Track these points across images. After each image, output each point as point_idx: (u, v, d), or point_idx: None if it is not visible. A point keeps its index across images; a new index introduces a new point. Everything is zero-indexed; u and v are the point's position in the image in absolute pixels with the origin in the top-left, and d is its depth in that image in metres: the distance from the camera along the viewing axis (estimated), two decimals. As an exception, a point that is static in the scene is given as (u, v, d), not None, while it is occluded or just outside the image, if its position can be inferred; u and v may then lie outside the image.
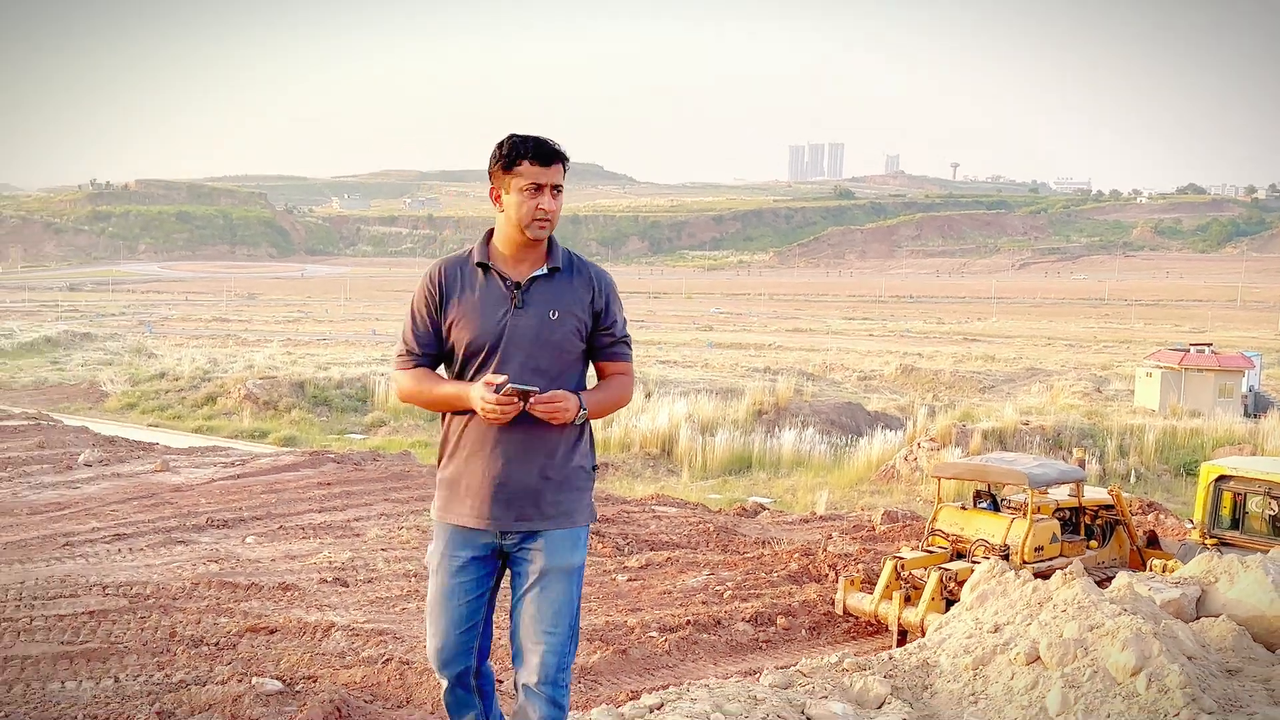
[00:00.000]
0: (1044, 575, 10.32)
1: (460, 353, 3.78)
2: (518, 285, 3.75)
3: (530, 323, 3.73)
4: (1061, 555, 12.77)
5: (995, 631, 4.44)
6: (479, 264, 3.78)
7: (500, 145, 3.74)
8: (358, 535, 14.61)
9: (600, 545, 14.40)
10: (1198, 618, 5.63)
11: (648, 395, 33.02)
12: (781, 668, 4.89)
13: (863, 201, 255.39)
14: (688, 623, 11.11)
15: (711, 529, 16.18)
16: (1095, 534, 13.93)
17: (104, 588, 10.71)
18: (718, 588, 12.67)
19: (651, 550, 14.51)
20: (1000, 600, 4.62)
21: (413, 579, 12.21)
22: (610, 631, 10.67)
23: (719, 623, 11.33)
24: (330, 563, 12.76)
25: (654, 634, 10.73)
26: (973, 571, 11.83)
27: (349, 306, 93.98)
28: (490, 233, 3.84)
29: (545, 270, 3.77)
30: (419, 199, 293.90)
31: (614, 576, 13.05)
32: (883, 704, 4.01)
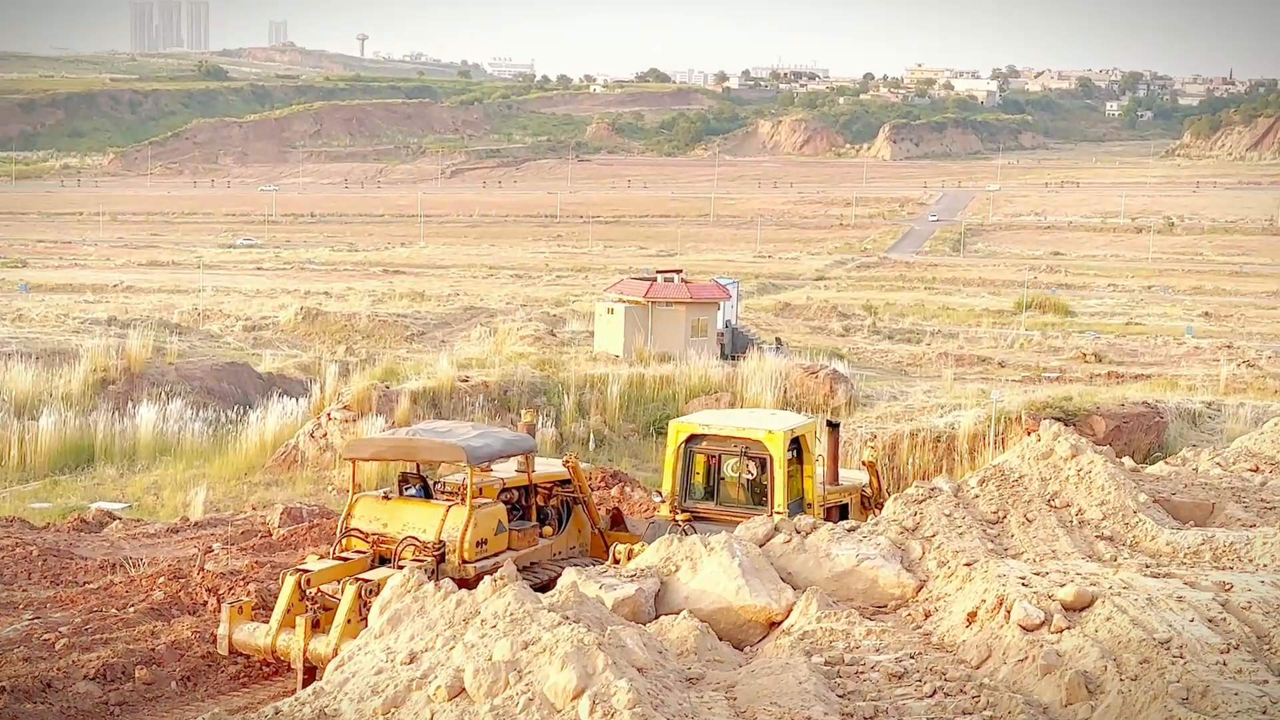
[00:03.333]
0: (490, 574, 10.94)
1: None
2: None
3: None
4: (510, 548, 13.57)
5: (411, 662, 4.68)
6: None
7: None
8: None
9: None
10: (658, 615, 6.28)
11: (-74, 365, 30.60)
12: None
13: (240, 84, 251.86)
14: (2, 689, 10.61)
15: (36, 554, 15.46)
16: (550, 517, 14.95)
17: None
18: (46, 636, 12.18)
19: (-57, 593, 13.61)
20: (418, 621, 4.87)
21: None
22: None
23: (50, 685, 10.94)
24: None
25: (-50, 714, 10.15)
26: (400, 580, 12.35)
27: None
28: None
29: None
30: None
31: (-118, 637, 12.10)
32: (266, 777, 4.11)
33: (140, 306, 49.61)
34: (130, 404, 29.22)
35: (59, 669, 11.31)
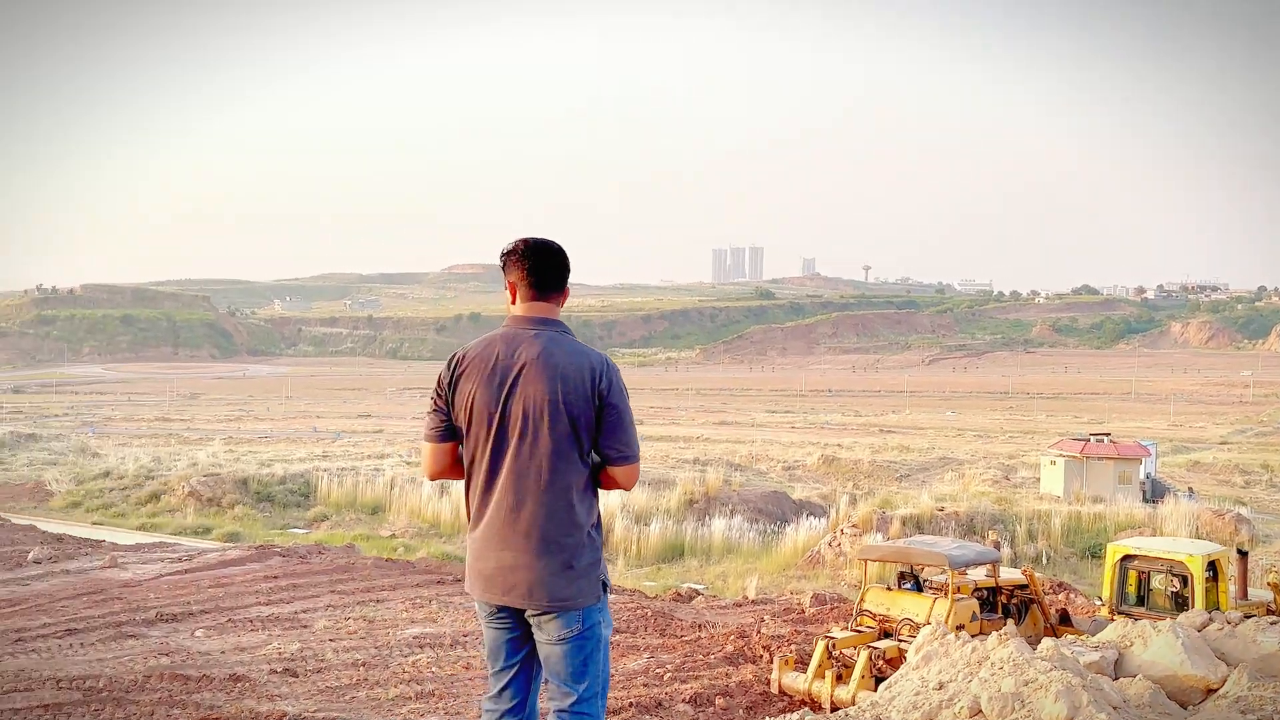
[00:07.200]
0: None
1: None
2: None
3: None
4: (981, 633, 12.93)
5: (940, 689, 4.59)
6: None
7: (561, 251, 4.14)
8: (305, 626, 14.34)
9: (543, 632, 14.28)
10: (1115, 679, 5.82)
11: (584, 487, 32.92)
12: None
13: (782, 301, 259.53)
14: (630, 705, 11.02)
15: (649, 614, 16.12)
16: (1011, 612, 14.13)
17: (58, 682, 10.40)
18: (658, 670, 12.62)
19: (593, 636, 14.37)
20: (943, 660, 4.78)
21: (361, 668, 12.00)
22: (556, 715, 10.54)
23: (660, 704, 11.26)
24: (279, 654, 12.51)
25: (598, 716, 10.60)
26: (900, 650, 12.00)
27: (290, 405, 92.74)
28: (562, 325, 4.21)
29: None
30: (360, 300, 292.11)
31: (558, 661, 12.92)
32: (843, 757, 4.14)
33: (714, 451, 51.40)
34: (707, 517, 30.21)
35: (666, 693, 11.69)
